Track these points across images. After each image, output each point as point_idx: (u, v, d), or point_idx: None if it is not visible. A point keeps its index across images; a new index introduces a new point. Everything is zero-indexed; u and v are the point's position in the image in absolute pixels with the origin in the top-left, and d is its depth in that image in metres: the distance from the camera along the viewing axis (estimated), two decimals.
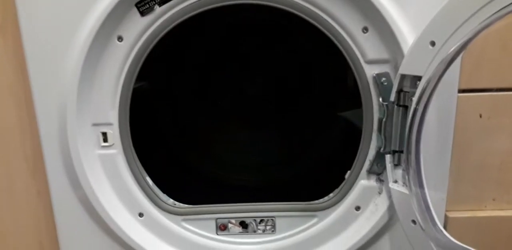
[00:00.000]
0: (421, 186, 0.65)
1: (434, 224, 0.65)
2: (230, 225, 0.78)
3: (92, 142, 0.71)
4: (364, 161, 0.72)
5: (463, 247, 0.60)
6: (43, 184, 0.75)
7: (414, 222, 0.67)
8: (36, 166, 0.75)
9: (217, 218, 0.78)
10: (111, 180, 0.74)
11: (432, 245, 0.65)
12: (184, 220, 0.77)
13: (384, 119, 0.69)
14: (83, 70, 0.65)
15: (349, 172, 0.74)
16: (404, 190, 0.68)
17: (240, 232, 0.79)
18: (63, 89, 0.66)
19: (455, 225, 0.76)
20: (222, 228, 0.79)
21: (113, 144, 0.71)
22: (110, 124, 0.70)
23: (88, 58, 0.65)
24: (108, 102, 0.69)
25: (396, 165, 0.70)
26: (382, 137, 0.69)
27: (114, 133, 0.71)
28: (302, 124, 0.88)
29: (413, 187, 0.66)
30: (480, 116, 0.71)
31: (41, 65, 0.67)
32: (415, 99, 0.63)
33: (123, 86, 0.68)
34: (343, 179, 0.75)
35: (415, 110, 0.63)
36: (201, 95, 0.90)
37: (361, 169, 0.73)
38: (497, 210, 0.78)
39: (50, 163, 0.73)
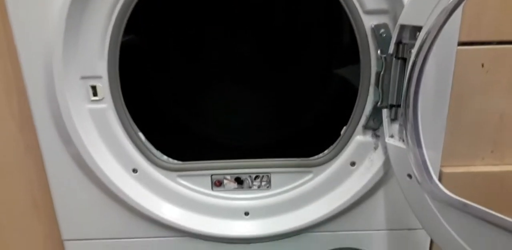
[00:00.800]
0: (418, 140, 0.65)
1: (430, 178, 0.64)
2: (225, 181, 0.78)
3: (81, 96, 0.69)
4: (360, 116, 0.71)
5: (458, 200, 0.60)
6: (31, 139, 0.74)
7: (409, 176, 0.67)
8: (24, 121, 0.73)
9: (212, 174, 0.77)
10: (103, 136, 0.72)
11: (428, 199, 0.65)
12: (179, 176, 0.77)
13: (382, 73, 0.67)
14: (68, 18, 0.61)
15: (345, 127, 0.73)
16: (400, 144, 0.67)
17: (235, 188, 0.79)
18: (48, 40, 0.64)
19: (450, 180, 0.76)
20: (217, 184, 0.78)
21: (103, 98, 0.69)
22: (99, 77, 0.68)
23: (73, 6, 0.61)
24: (96, 54, 0.66)
25: (393, 119, 0.68)
26: (380, 90, 0.68)
27: (103, 87, 0.68)
28: (297, 81, 0.85)
29: (410, 141, 0.65)
30: (482, 66, 0.69)
31: (24, 15, 0.63)
32: (414, 51, 0.61)
33: (111, 37, 0.65)
34: (339, 135, 0.74)
35: (414, 62, 0.62)
36: (193, 51, 0.87)
37: (357, 124, 0.72)
38: (491, 166, 0.78)
39: (39, 118, 0.71)
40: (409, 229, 0.80)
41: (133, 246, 0.80)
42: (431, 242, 0.82)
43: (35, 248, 0.84)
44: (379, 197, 0.77)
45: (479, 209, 0.57)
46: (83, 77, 0.68)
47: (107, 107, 0.70)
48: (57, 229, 0.79)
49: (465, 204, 0.59)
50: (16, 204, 0.81)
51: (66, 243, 0.80)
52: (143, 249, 0.81)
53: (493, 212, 0.55)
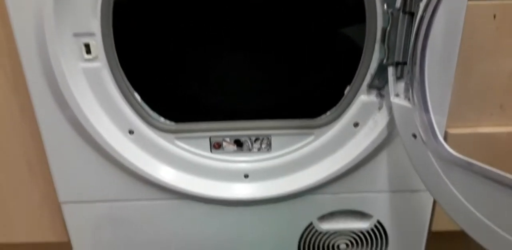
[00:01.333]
0: (424, 98, 0.63)
1: (435, 137, 0.63)
2: (224, 143, 0.76)
3: (75, 54, 0.66)
4: (365, 75, 0.69)
5: (463, 159, 0.59)
6: (25, 101, 0.71)
7: (414, 136, 0.65)
8: (17, 83, 0.71)
9: (210, 136, 0.75)
10: (98, 96, 0.70)
11: (432, 158, 0.63)
12: (177, 138, 0.75)
13: (388, 29, 0.64)
14: None
15: (348, 87, 0.70)
16: (406, 103, 0.65)
17: (234, 151, 0.77)
18: None
19: (455, 141, 0.74)
20: (216, 146, 0.76)
21: (97, 56, 0.66)
22: (92, 34, 0.65)
23: None
24: (88, 9, 0.63)
25: (399, 77, 0.66)
26: (386, 47, 0.65)
27: (97, 44, 0.65)
28: (299, 41, 0.82)
29: (415, 100, 0.63)
30: (494, 17, 0.66)
31: None
32: (422, 4, 0.58)
33: None
34: (342, 95, 0.72)
35: (422, 17, 0.59)
36: (190, 9, 0.83)
37: (361, 83, 0.69)
38: (497, 126, 0.77)
39: (32, 78, 0.68)
40: (412, 191, 0.79)
41: (131, 208, 0.79)
42: (434, 204, 0.81)
43: (32, 211, 0.83)
44: (382, 158, 0.76)
45: (484, 168, 0.55)
46: (76, 34, 0.65)
47: (101, 66, 0.67)
48: (54, 192, 0.78)
49: (470, 163, 0.57)
50: (11, 167, 0.80)
51: (64, 206, 0.79)
52: (141, 212, 0.80)
53: (499, 171, 0.54)
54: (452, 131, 0.75)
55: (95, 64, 0.67)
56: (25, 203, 0.83)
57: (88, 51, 0.66)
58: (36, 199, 0.82)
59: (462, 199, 0.60)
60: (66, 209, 0.80)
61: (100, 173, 0.76)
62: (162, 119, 0.74)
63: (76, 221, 0.81)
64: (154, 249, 0.83)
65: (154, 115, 0.73)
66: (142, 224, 0.81)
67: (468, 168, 0.58)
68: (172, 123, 0.74)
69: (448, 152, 0.61)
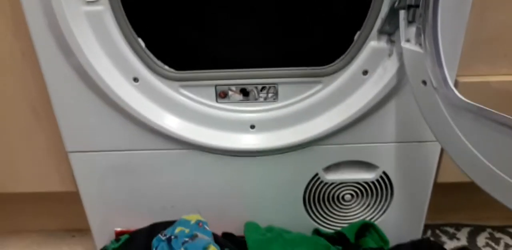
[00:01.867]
0: (436, 43, 0.61)
1: (446, 83, 0.61)
2: (230, 92, 0.75)
3: None
4: (376, 19, 0.66)
5: (473, 105, 0.57)
6: (27, 47, 0.70)
7: (424, 83, 0.64)
8: (18, 27, 0.69)
9: (216, 85, 0.74)
10: (101, 42, 0.69)
11: (442, 105, 0.62)
12: (182, 86, 0.74)
13: None
14: None
15: (358, 32, 0.68)
16: (417, 48, 0.63)
17: (240, 100, 0.76)
18: None
19: (465, 90, 0.73)
20: (222, 95, 0.75)
21: None
22: None
23: None
24: None
25: (410, 21, 0.64)
26: None
27: None
28: None
29: (427, 44, 0.61)
30: None
31: None
32: None
33: None
34: (351, 42, 0.70)
35: None
36: None
37: (371, 29, 0.67)
38: (509, 76, 0.75)
39: (33, 23, 0.67)
40: (419, 142, 0.78)
41: (138, 158, 0.79)
42: (440, 155, 0.81)
43: (39, 160, 0.84)
44: (390, 108, 0.74)
45: (495, 113, 0.54)
46: None
47: (104, 9, 0.66)
48: (61, 141, 0.78)
49: (480, 109, 0.56)
50: (17, 117, 0.79)
51: (71, 155, 0.79)
52: (148, 162, 0.80)
53: (510, 116, 0.52)
54: (462, 79, 0.74)
55: (98, 8, 0.66)
56: (32, 152, 0.83)
57: None
58: (43, 148, 0.83)
59: (471, 147, 0.59)
60: (73, 159, 0.80)
61: (106, 122, 0.76)
62: (166, 67, 0.72)
63: (83, 170, 0.81)
64: (161, 198, 0.84)
65: (159, 62, 0.72)
66: (149, 174, 0.81)
67: (479, 113, 0.56)
68: (177, 71, 0.73)
69: (459, 98, 0.59)
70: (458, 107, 0.60)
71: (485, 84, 0.74)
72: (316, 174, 0.82)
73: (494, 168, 0.56)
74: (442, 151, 0.80)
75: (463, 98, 0.59)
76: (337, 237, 0.83)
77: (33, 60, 0.70)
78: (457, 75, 0.73)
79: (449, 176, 0.84)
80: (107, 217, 0.86)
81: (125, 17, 0.67)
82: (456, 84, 0.73)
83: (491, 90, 0.75)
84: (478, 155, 0.58)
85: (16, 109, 0.79)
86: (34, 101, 0.77)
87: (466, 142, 0.60)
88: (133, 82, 0.72)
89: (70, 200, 0.88)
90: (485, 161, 0.57)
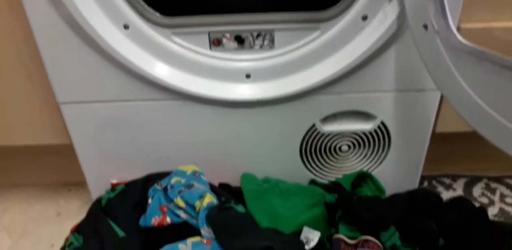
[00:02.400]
0: None
1: (448, 26, 0.59)
2: (224, 39, 0.73)
3: None
4: None
5: (476, 48, 0.55)
6: None
7: (425, 27, 0.61)
8: None
9: (209, 32, 0.71)
10: None
11: (443, 50, 0.60)
12: (174, 33, 0.71)
13: None
14: None
15: None
16: None
17: (235, 48, 0.74)
18: None
19: (468, 37, 0.70)
20: (215, 43, 0.73)
21: None
22: None
23: None
24: None
25: None
26: None
27: None
28: None
29: None
30: None
31: None
32: None
33: None
34: None
35: None
36: None
37: None
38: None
39: None
40: (418, 90, 0.77)
41: (132, 109, 0.78)
42: (440, 105, 0.79)
43: (31, 112, 0.82)
44: (390, 56, 0.72)
45: (499, 56, 0.52)
46: None
47: None
48: (52, 93, 0.76)
49: (483, 52, 0.54)
50: (6, 69, 0.77)
51: (62, 106, 0.78)
52: (142, 113, 0.78)
53: None
54: (465, 25, 0.71)
55: None
56: (23, 104, 0.81)
57: None
58: (35, 100, 0.81)
59: (472, 93, 0.58)
60: (66, 110, 0.78)
61: (97, 71, 0.73)
62: (158, 13, 0.69)
63: (76, 122, 0.80)
64: (157, 149, 0.83)
65: (150, 9, 0.69)
66: (144, 125, 0.80)
67: (481, 57, 0.54)
68: (169, 17, 0.70)
69: (461, 42, 0.57)
70: (460, 51, 0.58)
71: (488, 30, 0.72)
72: (313, 125, 0.81)
73: (495, 114, 0.55)
74: (441, 100, 0.78)
75: (465, 41, 0.57)
76: (333, 187, 0.83)
77: (20, 12, 0.67)
78: (459, 21, 0.70)
79: (448, 126, 0.84)
80: (102, 170, 0.86)
81: None
82: (458, 31, 0.70)
83: (492, 37, 0.73)
84: (479, 101, 0.57)
85: (5, 62, 0.76)
86: (23, 53, 0.75)
87: (467, 88, 0.58)
88: (123, 29, 0.69)
89: (65, 153, 0.88)
90: (486, 107, 0.56)
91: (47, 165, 0.99)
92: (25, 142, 0.86)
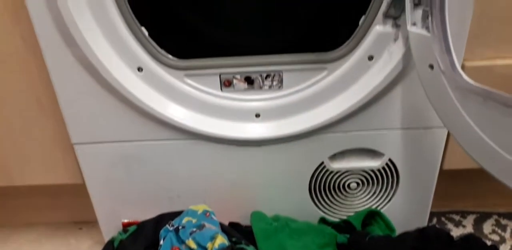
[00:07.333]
0: (443, 26, 0.60)
1: (453, 66, 0.61)
2: (235, 81, 0.75)
3: None
4: (381, 3, 0.66)
5: (482, 88, 0.57)
6: (30, 37, 0.69)
7: (431, 66, 0.63)
8: (18, 13, 0.69)
9: (220, 73, 0.74)
10: (104, 31, 0.68)
11: (449, 89, 0.62)
12: (187, 75, 0.73)
13: None
14: None
15: (363, 17, 0.68)
16: (423, 32, 0.63)
17: (245, 89, 0.76)
18: None
19: (472, 75, 0.72)
20: (226, 84, 0.75)
21: None
22: None
23: None
24: None
25: (416, 4, 0.63)
26: None
27: None
28: None
29: (434, 27, 0.61)
30: None
31: None
32: None
33: None
34: (356, 27, 0.69)
35: None
36: None
37: (377, 12, 0.67)
38: None
39: (36, 13, 0.66)
40: (425, 128, 0.78)
41: (144, 149, 0.79)
42: (447, 142, 0.80)
43: (45, 152, 0.83)
44: (396, 94, 0.74)
45: (504, 95, 0.53)
46: None
47: None
48: (66, 133, 0.77)
49: (489, 91, 0.55)
50: (22, 109, 0.79)
51: (76, 147, 0.79)
52: (154, 152, 0.80)
53: None
54: (469, 63, 0.73)
55: None
56: (38, 145, 0.83)
57: None
58: (49, 140, 0.82)
59: (479, 131, 0.59)
60: (79, 150, 0.79)
61: (111, 112, 0.75)
62: (170, 56, 0.72)
63: (89, 162, 0.81)
64: (167, 189, 0.84)
65: (163, 51, 0.71)
66: (155, 164, 0.81)
67: (487, 96, 0.56)
68: (181, 60, 0.72)
69: (467, 82, 0.59)
70: (466, 91, 0.59)
71: (491, 68, 0.74)
72: (322, 163, 0.82)
73: (502, 152, 0.55)
74: (448, 137, 0.79)
75: (471, 81, 0.59)
76: (344, 226, 0.82)
77: (37, 52, 0.70)
78: (464, 59, 0.72)
79: (455, 163, 0.84)
80: (114, 209, 0.86)
81: (127, 5, 0.66)
82: (463, 69, 0.72)
83: (497, 75, 0.75)
84: (486, 139, 0.58)
85: (21, 101, 0.78)
86: (38, 93, 0.77)
87: (474, 126, 0.59)
88: (137, 72, 0.72)
89: (77, 192, 0.88)
90: (493, 144, 0.57)
91: (58, 204, 0.99)
92: (38, 181, 0.87)
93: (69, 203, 0.98)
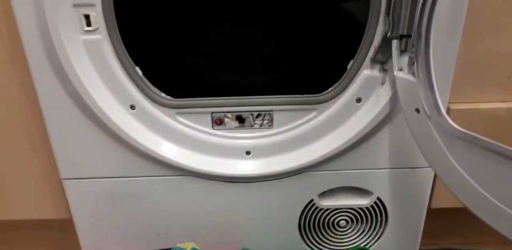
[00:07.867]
0: (428, 72, 0.62)
1: (439, 111, 0.62)
2: (226, 119, 0.76)
3: (75, 25, 0.65)
4: (369, 48, 0.68)
5: (467, 133, 0.58)
6: (25, 74, 0.70)
7: (417, 110, 0.65)
8: (16, 55, 0.70)
9: (212, 112, 0.75)
10: (99, 70, 0.69)
11: (435, 133, 0.63)
12: (178, 113, 0.74)
13: (393, 0, 0.63)
14: None
15: (352, 61, 0.70)
16: (409, 77, 0.65)
17: (236, 127, 0.77)
18: None
19: (457, 117, 0.74)
20: (218, 122, 0.76)
21: (97, 28, 0.65)
22: (92, 5, 0.64)
23: None
24: None
25: (403, 51, 0.65)
26: (390, 19, 0.64)
27: (97, 16, 0.64)
28: (300, 15, 0.81)
29: (420, 73, 0.62)
30: None
31: None
32: None
33: None
34: (345, 71, 0.71)
35: None
36: None
37: (364, 57, 0.69)
38: (499, 102, 0.76)
39: (31, 51, 0.67)
40: (413, 168, 0.79)
41: (133, 185, 0.79)
42: (434, 181, 0.81)
43: (33, 187, 0.83)
44: (384, 135, 0.75)
45: (488, 141, 0.55)
46: (76, 5, 0.64)
47: (101, 38, 0.67)
48: (55, 168, 0.77)
49: (473, 137, 0.57)
50: (12, 143, 0.79)
51: (65, 182, 0.79)
52: (144, 188, 0.80)
53: (503, 145, 0.53)
54: (454, 106, 0.75)
55: (96, 37, 0.66)
56: (26, 179, 0.83)
57: (88, 23, 0.65)
58: (37, 175, 0.82)
59: (465, 174, 0.60)
60: (68, 186, 0.79)
61: (102, 149, 0.75)
62: (163, 94, 0.73)
63: (77, 197, 0.80)
64: (156, 225, 0.83)
65: (156, 90, 0.73)
66: (144, 200, 0.81)
67: (472, 141, 0.57)
68: (174, 98, 0.73)
69: (452, 126, 0.60)
70: (452, 135, 0.61)
71: (476, 111, 0.76)
72: (311, 200, 0.83)
73: (487, 194, 0.57)
74: (435, 176, 0.81)
75: (456, 126, 0.60)
76: None
77: (31, 90, 0.71)
78: (449, 102, 0.74)
79: (443, 202, 0.85)
80: (101, 245, 0.85)
81: (122, 45, 0.68)
82: (447, 111, 0.74)
83: (481, 117, 0.77)
84: (472, 181, 0.59)
85: (11, 136, 0.78)
86: (31, 130, 0.77)
87: (460, 169, 0.60)
88: (130, 109, 0.73)
89: (65, 227, 0.87)
90: (478, 187, 0.58)
91: (45, 239, 0.98)
92: (26, 216, 0.86)
93: (56, 238, 0.97)
